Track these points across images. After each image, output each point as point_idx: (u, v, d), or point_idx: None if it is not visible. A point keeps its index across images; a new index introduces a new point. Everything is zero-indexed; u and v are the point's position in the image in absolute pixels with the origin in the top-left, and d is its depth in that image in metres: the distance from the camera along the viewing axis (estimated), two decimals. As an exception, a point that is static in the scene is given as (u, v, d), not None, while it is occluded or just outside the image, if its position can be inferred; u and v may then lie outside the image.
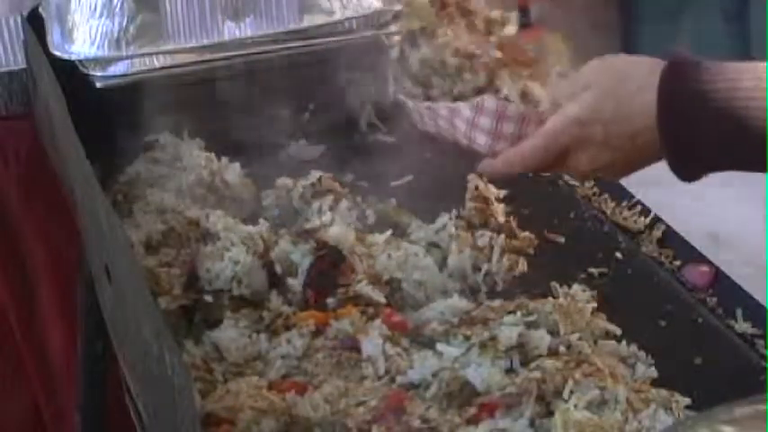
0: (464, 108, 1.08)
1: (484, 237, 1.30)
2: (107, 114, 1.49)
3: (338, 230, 1.25)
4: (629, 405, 1.02)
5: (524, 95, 1.07)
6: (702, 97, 0.95)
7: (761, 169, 0.97)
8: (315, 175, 1.39)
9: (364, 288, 1.19)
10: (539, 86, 1.07)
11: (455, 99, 1.11)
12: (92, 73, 1.49)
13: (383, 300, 1.19)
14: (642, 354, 1.13)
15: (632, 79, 1.00)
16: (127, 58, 1.50)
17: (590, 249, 1.34)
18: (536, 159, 1.06)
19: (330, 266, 1.20)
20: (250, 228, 1.26)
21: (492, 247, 1.29)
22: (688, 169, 0.99)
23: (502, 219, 1.35)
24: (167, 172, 1.43)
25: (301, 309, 1.18)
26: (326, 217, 1.32)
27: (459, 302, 1.17)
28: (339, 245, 1.22)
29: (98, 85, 1.48)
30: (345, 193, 1.38)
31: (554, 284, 1.25)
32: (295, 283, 1.20)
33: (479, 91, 1.10)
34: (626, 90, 1.00)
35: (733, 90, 0.95)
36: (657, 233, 1.36)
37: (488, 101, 1.07)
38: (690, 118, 0.96)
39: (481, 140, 1.08)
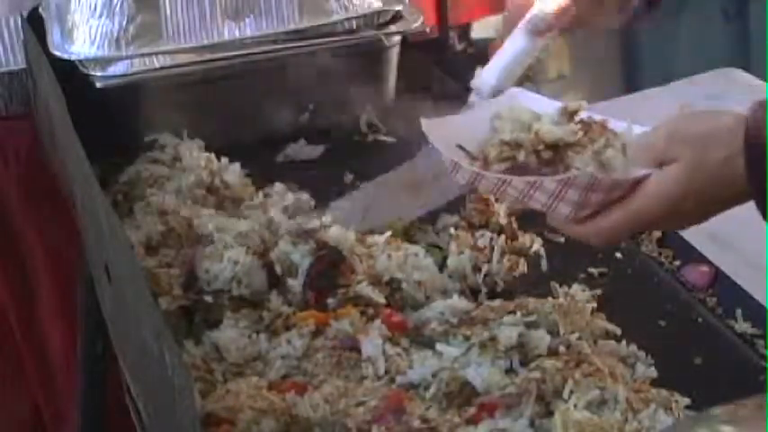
0: (549, 182, 0.99)
1: (484, 237, 1.30)
2: (107, 114, 1.49)
3: (338, 231, 1.25)
4: (629, 405, 1.02)
5: (601, 165, 1.00)
6: None
7: None
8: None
9: (364, 288, 1.19)
10: (616, 154, 1.00)
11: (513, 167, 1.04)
12: (92, 73, 1.49)
13: (383, 300, 1.19)
14: (642, 354, 1.13)
15: (718, 145, 0.95)
16: (127, 58, 1.50)
17: (590, 249, 1.34)
18: (624, 234, 1.04)
19: (330, 267, 1.20)
20: (244, 225, 1.25)
21: (492, 248, 1.29)
22: None
23: (503, 220, 1.35)
24: (167, 172, 1.43)
25: (301, 309, 1.18)
26: (326, 217, 1.32)
27: (459, 302, 1.17)
28: (339, 245, 1.22)
29: (98, 85, 1.48)
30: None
31: (554, 284, 1.25)
32: (295, 284, 1.20)
33: (545, 163, 1.04)
34: (714, 159, 0.96)
35: None
36: (657, 233, 1.36)
37: (581, 176, 0.99)
38: None
39: (565, 210, 1.01)
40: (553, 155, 1.02)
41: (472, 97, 1.31)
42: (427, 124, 1.06)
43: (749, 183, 0.94)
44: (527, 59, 1.33)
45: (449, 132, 1.07)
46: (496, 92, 1.27)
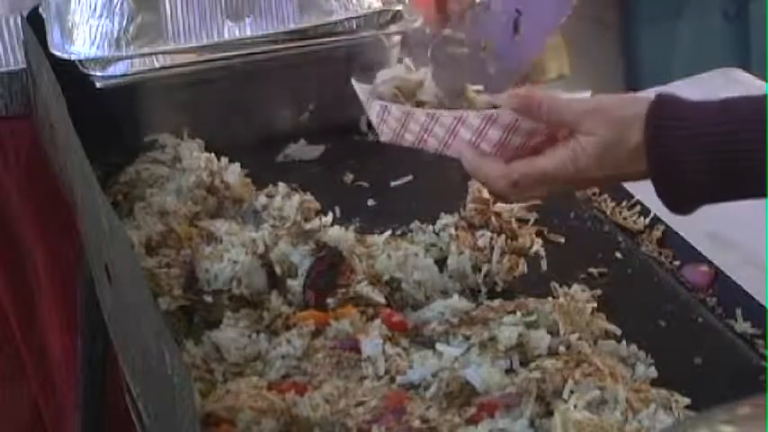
0: (473, 118, 1.08)
1: (484, 237, 1.30)
2: (107, 114, 1.49)
3: (337, 231, 1.25)
4: (629, 405, 1.02)
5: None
6: (689, 141, 1.01)
7: (755, 196, 1.02)
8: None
9: (364, 288, 1.19)
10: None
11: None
12: (92, 73, 1.49)
13: (383, 300, 1.19)
14: (642, 354, 1.13)
15: (633, 130, 1.03)
16: (127, 58, 1.50)
17: (590, 249, 1.34)
18: (529, 186, 1.10)
19: (330, 267, 1.20)
20: (252, 234, 1.25)
21: (492, 248, 1.29)
22: (680, 206, 1.06)
23: (503, 220, 1.35)
24: (167, 172, 1.43)
25: (301, 309, 1.18)
26: (326, 217, 1.33)
27: (459, 302, 1.17)
28: (339, 245, 1.22)
29: (98, 85, 1.48)
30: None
31: (554, 284, 1.25)
32: (295, 285, 1.20)
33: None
34: (627, 143, 1.04)
35: (718, 134, 1.00)
36: (657, 233, 1.36)
37: (504, 114, 1.08)
38: (675, 160, 1.02)
39: (486, 148, 1.09)
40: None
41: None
42: (358, 84, 1.16)
43: (648, 164, 1.03)
44: None
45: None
46: None
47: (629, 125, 1.03)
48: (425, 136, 1.11)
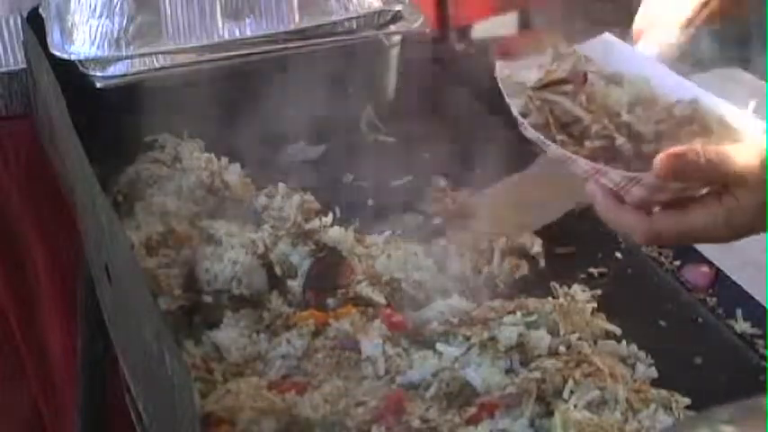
0: (614, 174, 0.95)
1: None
2: (107, 114, 1.49)
3: (337, 231, 1.25)
4: (629, 405, 1.03)
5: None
6: None
7: None
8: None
9: (364, 288, 1.19)
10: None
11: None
12: (92, 73, 1.49)
13: (383, 300, 1.19)
14: (642, 354, 1.13)
15: None
16: (127, 58, 1.50)
17: (590, 249, 1.34)
18: (672, 240, 1.00)
19: (329, 268, 1.20)
20: (252, 234, 1.25)
21: (492, 249, 1.29)
22: None
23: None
24: (167, 172, 1.43)
25: (301, 309, 1.18)
26: (326, 218, 1.32)
27: (459, 302, 1.17)
28: (338, 246, 1.22)
29: (98, 85, 1.48)
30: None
31: (554, 284, 1.25)
32: (294, 285, 1.20)
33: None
34: None
35: None
36: (657, 233, 1.35)
37: (648, 177, 0.93)
38: None
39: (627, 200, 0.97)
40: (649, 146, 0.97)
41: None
42: (502, 67, 1.02)
43: None
44: None
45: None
46: None
47: None
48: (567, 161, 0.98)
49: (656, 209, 0.96)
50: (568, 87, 1.01)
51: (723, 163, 0.92)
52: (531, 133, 0.98)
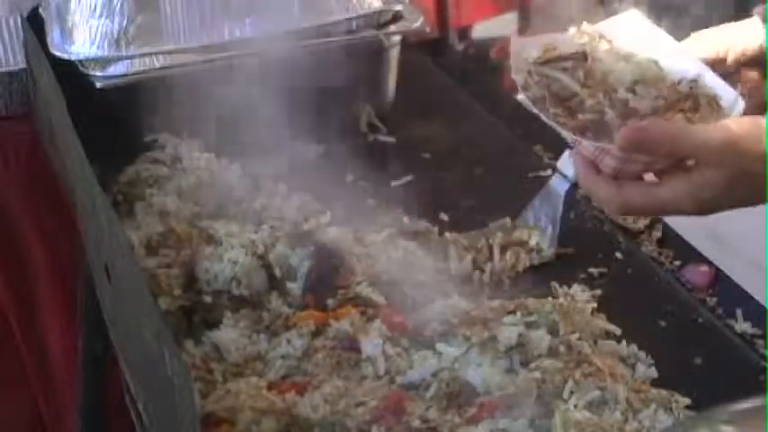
0: (587, 145, 1.01)
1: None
2: (107, 114, 1.49)
3: (336, 231, 1.25)
4: (629, 405, 1.03)
5: None
6: None
7: None
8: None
9: (364, 289, 1.19)
10: None
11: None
12: (92, 73, 1.49)
13: (383, 300, 1.19)
14: (642, 354, 1.13)
15: (761, 162, 0.95)
16: (127, 58, 1.50)
17: (590, 249, 1.34)
18: (643, 211, 1.09)
19: (329, 269, 1.20)
20: (252, 235, 1.25)
21: (491, 246, 1.29)
22: None
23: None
24: (167, 172, 1.43)
25: (301, 310, 1.18)
26: (325, 218, 1.32)
27: (459, 302, 1.17)
28: (338, 246, 1.22)
29: (98, 85, 1.48)
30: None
31: (554, 284, 1.25)
32: (294, 287, 1.20)
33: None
34: (756, 173, 0.96)
35: None
36: (657, 233, 1.36)
37: (615, 148, 0.99)
38: None
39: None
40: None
41: (554, 179, 1.18)
42: (515, 43, 1.08)
43: None
44: None
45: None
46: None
47: (760, 159, 0.95)
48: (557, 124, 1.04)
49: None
50: (568, 64, 1.06)
51: (686, 139, 0.96)
52: (528, 105, 1.06)
